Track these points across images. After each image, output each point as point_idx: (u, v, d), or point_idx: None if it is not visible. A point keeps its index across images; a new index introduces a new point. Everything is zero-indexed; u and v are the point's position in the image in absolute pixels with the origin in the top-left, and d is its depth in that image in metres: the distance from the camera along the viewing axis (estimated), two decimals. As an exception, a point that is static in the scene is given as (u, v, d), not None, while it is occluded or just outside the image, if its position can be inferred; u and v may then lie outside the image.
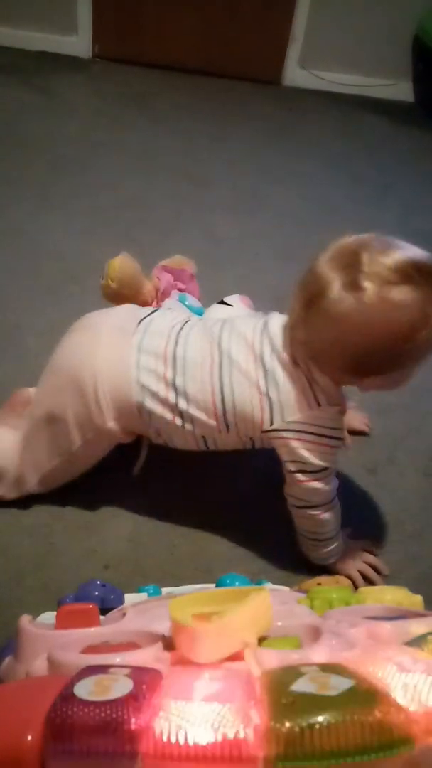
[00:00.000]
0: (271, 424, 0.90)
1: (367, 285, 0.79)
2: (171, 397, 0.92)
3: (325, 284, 0.81)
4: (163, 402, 0.93)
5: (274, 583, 0.88)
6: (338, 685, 0.38)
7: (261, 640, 0.49)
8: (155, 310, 1.02)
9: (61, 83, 2.64)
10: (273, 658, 0.45)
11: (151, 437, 1.00)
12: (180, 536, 1.05)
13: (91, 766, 0.36)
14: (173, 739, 0.35)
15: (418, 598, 0.72)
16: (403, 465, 1.23)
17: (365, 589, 0.74)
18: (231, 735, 0.35)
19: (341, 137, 2.64)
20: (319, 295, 0.82)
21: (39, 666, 0.51)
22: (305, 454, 0.90)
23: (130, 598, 0.76)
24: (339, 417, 0.92)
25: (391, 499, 1.16)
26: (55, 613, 0.61)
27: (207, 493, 1.11)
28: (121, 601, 0.74)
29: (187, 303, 1.22)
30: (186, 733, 0.35)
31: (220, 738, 0.35)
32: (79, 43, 2.89)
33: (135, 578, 0.94)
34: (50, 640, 0.53)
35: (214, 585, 0.79)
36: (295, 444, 0.90)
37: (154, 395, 0.92)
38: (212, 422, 0.92)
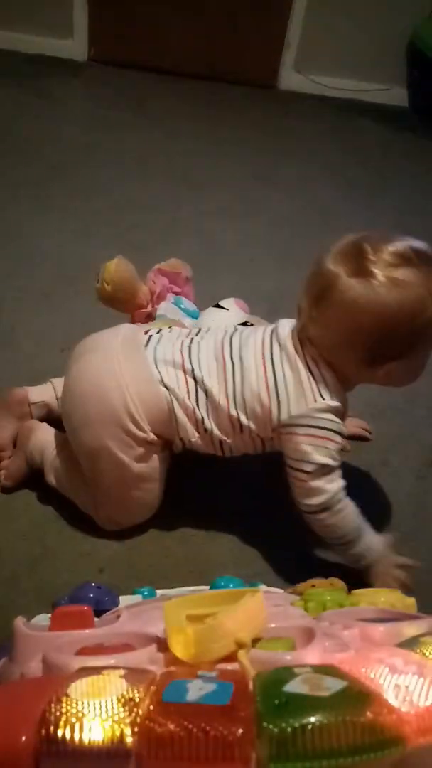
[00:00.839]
0: (279, 420, 0.92)
1: (374, 269, 0.84)
2: (192, 401, 0.94)
3: (333, 277, 0.86)
4: (186, 408, 0.94)
5: (268, 585, 0.88)
6: (331, 686, 0.38)
7: (255, 642, 0.49)
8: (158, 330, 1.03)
9: (57, 86, 2.65)
10: (266, 660, 0.45)
11: (177, 446, 0.99)
12: (174, 539, 1.05)
13: (85, 767, 0.37)
14: (170, 739, 0.36)
15: (411, 601, 0.72)
16: (396, 468, 1.24)
17: (359, 592, 0.74)
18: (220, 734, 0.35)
19: (336, 141, 2.66)
20: (329, 288, 0.87)
21: (34, 667, 0.51)
22: (308, 449, 0.91)
23: (124, 600, 0.76)
24: (341, 412, 0.94)
25: (384, 502, 1.17)
26: (49, 615, 0.61)
27: (201, 496, 1.12)
28: (116, 604, 0.74)
29: (182, 306, 1.22)
30: (178, 734, 0.36)
31: (211, 737, 0.35)
32: (75, 46, 2.90)
33: (130, 581, 0.94)
34: (45, 642, 0.53)
35: (208, 587, 0.79)
36: (298, 439, 0.92)
37: (179, 400, 0.94)
38: (227, 424, 0.95)
